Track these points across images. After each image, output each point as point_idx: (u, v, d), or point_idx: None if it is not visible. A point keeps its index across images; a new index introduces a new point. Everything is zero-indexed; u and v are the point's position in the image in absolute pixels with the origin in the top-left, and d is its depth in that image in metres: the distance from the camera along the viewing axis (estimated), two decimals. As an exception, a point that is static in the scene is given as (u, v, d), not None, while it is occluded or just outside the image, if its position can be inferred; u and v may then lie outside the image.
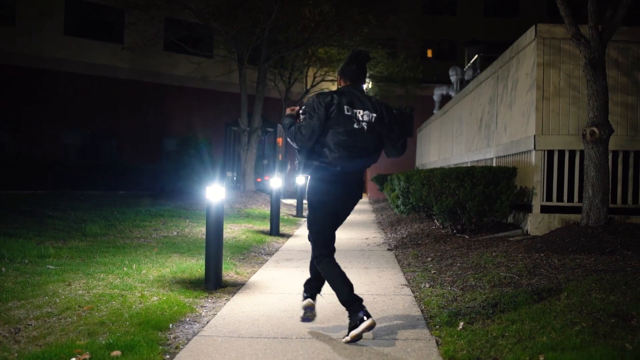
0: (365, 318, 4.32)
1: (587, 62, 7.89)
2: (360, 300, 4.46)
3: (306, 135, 4.50)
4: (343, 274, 4.59)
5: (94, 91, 24.82)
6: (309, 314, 4.82)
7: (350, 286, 4.52)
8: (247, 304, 5.69)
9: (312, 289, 4.90)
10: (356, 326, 4.34)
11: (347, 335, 4.39)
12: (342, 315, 5.20)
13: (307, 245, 10.00)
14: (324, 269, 4.63)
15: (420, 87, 29.64)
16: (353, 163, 4.53)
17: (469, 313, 5.07)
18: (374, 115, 4.56)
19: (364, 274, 7.26)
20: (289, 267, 7.77)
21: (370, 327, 4.32)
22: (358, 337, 4.35)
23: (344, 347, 4.33)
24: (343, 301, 4.49)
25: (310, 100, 4.61)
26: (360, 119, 4.53)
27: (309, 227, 4.73)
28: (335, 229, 4.75)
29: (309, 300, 4.84)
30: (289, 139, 4.67)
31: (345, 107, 4.52)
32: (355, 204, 4.80)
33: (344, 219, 4.82)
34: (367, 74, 5.03)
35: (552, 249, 7.25)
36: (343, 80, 4.76)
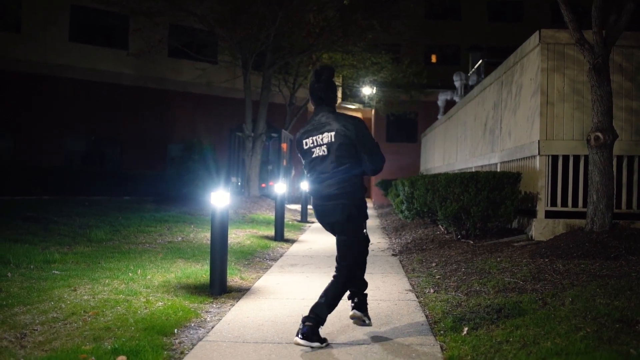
0: (296, 336, 4.39)
1: (591, 67, 7.90)
2: (319, 320, 4.48)
3: (305, 169, 4.90)
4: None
5: (98, 97, 24.88)
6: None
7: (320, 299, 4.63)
8: (252, 309, 5.69)
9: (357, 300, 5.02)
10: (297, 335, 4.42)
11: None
12: (345, 320, 5.21)
13: (312, 250, 10.04)
14: None
15: (425, 92, 29.63)
16: (323, 186, 4.64)
17: (474, 318, 5.07)
18: (332, 133, 4.60)
19: (369, 279, 7.24)
20: (294, 273, 7.78)
21: (298, 344, 4.37)
22: (297, 344, 4.38)
23: (348, 352, 4.34)
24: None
25: None
26: (321, 142, 4.64)
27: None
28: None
29: (353, 311, 4.97)
30: None
31: (304, 141, 4.73)
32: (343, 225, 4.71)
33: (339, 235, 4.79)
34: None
35: (556, 254, 7.24)
36: (312, 102, 4.86)
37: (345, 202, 4.61)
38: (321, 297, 4.57)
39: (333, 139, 4.59)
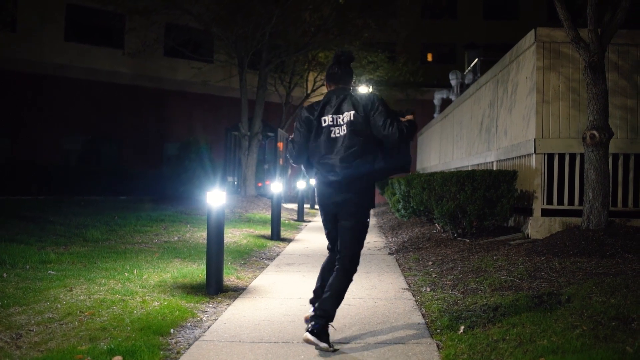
0: (306, 331, 4.36)
1: (586, 66, 7.91)
2: (328, 316, 4.46)
3: (295, 151, 4.74)
4: (322, 278, 4.84)
5: (95, 96, 24.85)
6: None
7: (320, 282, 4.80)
8: (249, 308, 5.69)
9: None
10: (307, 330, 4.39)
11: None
12: (341, 319, 5.21)
13: (308, 249, 10.04)
14: None
15: (421, 91, 29.64)
16: (338, 165, 4.51)
17: (470, 317, 5.07)
18: (352, 112, 4.51)
19: (365, 278, 7.26)
20: (290, 272, 7.77)
21: (308, 341, 4.30)
22: (307, 340, 4.31)
23: (344, 351, 4.34)
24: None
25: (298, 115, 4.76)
26: (342, 122, 4.52)
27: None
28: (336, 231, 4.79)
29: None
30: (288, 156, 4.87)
31: (323, 118, 4.59)
32: (349, 208, 4.62)
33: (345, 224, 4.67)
34: (353, 76, 4.95)
35: (552, 252, 7.25)
36: (327, 85, 4.77)
37: (359, 183, 4.55)
38: (326, 291, 4.53)
39: (353, 118, 4.50)
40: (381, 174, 4.68)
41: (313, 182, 4.98)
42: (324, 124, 4.58)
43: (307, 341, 4.30)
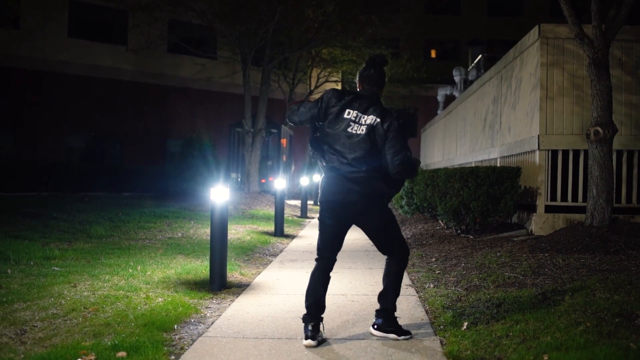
0: (304, 339, 4.39)
1: (590, 62, 7.89)
2: (318, 318, 4.48)
3: (298, 115, 4.63)
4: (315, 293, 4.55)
5: (98, 93, 24.85)
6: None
7: (314, 305, 4.50)
8: (252, 304, 5.70)
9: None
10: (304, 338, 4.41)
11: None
12: (345, 315, 5.21)
13: (312, 246, 10.03)
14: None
15: (424, 87, 29.62)
16: (348, 166, 4.40)
17: (473, 313, 5.07)
18: (378, 120, 4.40)
19: (369, 275, 7.27)
20: (294, 268, 7.78)
21: (307, 347, 4.35)
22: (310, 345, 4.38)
23: (348, 347, 4.34)
24: (305, 307, 4.54)
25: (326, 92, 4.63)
26: (363, 122, 4.41)
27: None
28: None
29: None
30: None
31: (348, 109, 4.47)
32: (366, 215, 4.51)
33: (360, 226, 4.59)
34: (385, 81, 4.83)
35: (556, 248, 7.24)
36: (360, 84, 4.67)
37: (373, 191, 4.44)
38: (307, 299, 4.53)
39: (375, 125, 4.38)
40: (380, 188, 4.47)
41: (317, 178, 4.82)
42: (346, 115, 4.45)
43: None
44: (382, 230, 4.57)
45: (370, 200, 4.43)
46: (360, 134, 4.40)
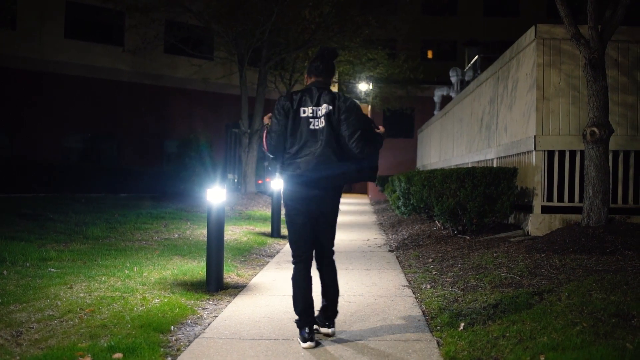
0: (301, 342, 4.41)
1: (587, 63, 7.90)
2: (312, 322, 4.52)
3: (273, 141, 4.58)
4: (305, 297, 4.60)
5: (95, 94, 24.81)
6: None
7: (306, 306, 4.55)
8: (249, 305, 5.69)
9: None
10: (301, 341, 4.43)
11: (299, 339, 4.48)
12: (342, 316, 5.21)
13: (308, 246, 10.01)
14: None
15: (421, 88, 29.62)
16: (318, 165, 4.44)
17: (470, 314, 5.07)
18: (330, 107, 4.46)
19: (365, 275, 7.27)
20: (291, 269, 7.74)
21: (306, 349, 4.38)
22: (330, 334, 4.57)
23: (344, 348, 4.34)
24: (297, 313, 4.57)
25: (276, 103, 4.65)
26: (320, 115, 4.46)
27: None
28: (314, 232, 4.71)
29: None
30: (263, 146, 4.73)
31: (302, 109, 4.50)
32: (327, 206, 4.64)
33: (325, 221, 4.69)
34: (335, 72, 4.84)
35: (553, 249, 7.25)
36: (308, 77, 4.71)
37: (341, 179, 4.55)
38: (328, 287, 4.70)
39: (330, 113, 4.45)
40: (348, 176, 4.55)
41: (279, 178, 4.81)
42: (302, 115, 4.49)
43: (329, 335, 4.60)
44: (334, 222, 4.75)
45: (334, 192, 4.63)
46: (322, 127, 4.46)
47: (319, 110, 4.47)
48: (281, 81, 26.53)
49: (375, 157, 4.70)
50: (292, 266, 4.72)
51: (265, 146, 4.64)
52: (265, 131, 4.64)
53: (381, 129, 4.68)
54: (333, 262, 4.79)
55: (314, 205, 4.55)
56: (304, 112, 4.49)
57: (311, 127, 4.46)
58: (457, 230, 9.94)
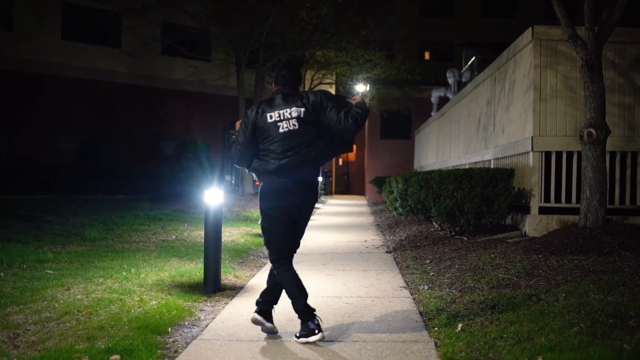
0: (317, 331, 4.42)
1: (583, 64, 7.91)
2: (314, 310, 4.55)
3: (238, 152, 4.63)
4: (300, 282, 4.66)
5: (91, 95, 24.77)
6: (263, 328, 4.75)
7: (306, 295, 4.59)
8: (246, 307, 5.68)
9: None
10: (307, 336, 4.44)
11: (297, 339, 4.48)
12: (340, 317, 5.21)
13: (305, 248, 10.05)
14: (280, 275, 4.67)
15: (418, 89, 29.63)
16: (292, 166, 4.50)
17: (468, 315, 5.08)
18: (302, 109, 4.52)
19: (363, 277, 7.26)
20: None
21: (319, 341, 4.42)
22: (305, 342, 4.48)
23: (342, 349, 4.34)
24: (298, 311, 4.56)
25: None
26: (290, 117, 4.50)
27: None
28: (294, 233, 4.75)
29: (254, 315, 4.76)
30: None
31: (268, 114, 4.54)
32: (308, 208, 4.73)
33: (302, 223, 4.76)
34: (302, 80, 4.88)
35: (550, 250, 7.26)
36: (275, 86, 4.76)
37: (315, 181, 4.66)
38: (300, 294, 4.62)
39: (303, 115, 4.51)
40: (326, 159, 4.68)
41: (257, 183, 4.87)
42: (269, 120, 4.53)
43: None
44: (307, 219, 4.80)
45: (312, 189, 4.68)
46: (294, 128, 4.50)
47: (287, 112, 4.53)
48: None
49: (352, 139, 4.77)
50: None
51: (231, 156, 4.71)
52: (232, 140, 4.70)
53: (356, 98, 4.71)
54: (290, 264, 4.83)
55: (294, 208, 4.61)
56: (271, 117, 4.55)
57: (281, 130, 4.51)
58: (455, 231, 9.95)
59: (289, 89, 4.67)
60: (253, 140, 4.58)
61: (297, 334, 4.52)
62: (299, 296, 4.56)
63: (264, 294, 4.82)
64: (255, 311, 4.73)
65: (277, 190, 4.56)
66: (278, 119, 4.52)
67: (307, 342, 4.43)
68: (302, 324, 4.52)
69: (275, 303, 4.80)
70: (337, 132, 4.53)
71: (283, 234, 4.63)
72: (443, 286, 6.47)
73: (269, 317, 4.72)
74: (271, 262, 4.71)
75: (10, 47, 22.98)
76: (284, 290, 4.73)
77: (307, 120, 4.51)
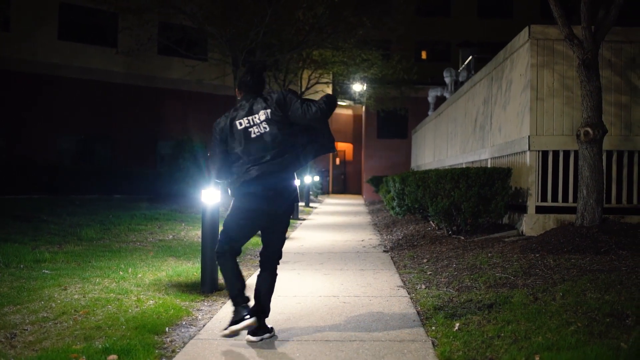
0: (247, 316, 4.42)
1: (580, 63, 7.92)
2: (248, 299, 4.60)
3: (216, 165, 4.64)
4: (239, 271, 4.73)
5: (88, 95, 24.75)
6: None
7: (243, 284, 4.66)
8: (244, 306, 5.67)
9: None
10: (237, 322, 4.41)
11: (226, 329, 4.44)
12: (337, 317, 5.21)
13: (303, 247, 10.04)
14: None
15: (415, 88, 29.63)
16: (265, 169, 4.48)
17: (465, 314, 5.08)
18: (269, 110, 4.53)
19: (360, 276, 7.26)
20: (285, 270, 7.76)
21: (250, 326, 4.42)
22: (236, 333, 4.42)
23: (340, 349, 4.34)
24: (233, 296, 4.59)
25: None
26: (259, 121, 4.52)
27: None
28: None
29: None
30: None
31: (237, 122, 4.55)
32: (284, 214, 4.73)
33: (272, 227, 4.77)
34: (265, 85, 4.87)
35: (547, 249, 7.26)
36: (239, 92, 4.77)
37: (292, 183, 4.65)
38: (263, 294, 4.72)
39: (270, 115, 4.52)
40: (307, 160, 4.71)
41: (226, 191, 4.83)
42: (239, 127, 4.53)
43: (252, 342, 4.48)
44: (286, 226, 4.86)
45: (290, 194, 4.66)
46: (266, 131, 4.51)
47: (256, 117, 4.54)
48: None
49: (327, 127, 4.72)
50: (277, 266, 4.83)
51: (209, 171, 4.73)
52: (208, 156, 4.71)
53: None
54: (274, 269, 4.96)
55: (269, 213, 4.60)
56: (240, 124, 4.55)
57: (252, 135, 4.51)
58: (452, 231, 9.95)
59: (252, 94, 4.68)
60: (226, 150, 4.60)
61: (227, 325, 4.46)
62: (235, 282, 4.64)
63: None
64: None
65: (252, 194, 4.53)
66: (248, 124, 4.53)
67: (236, 331, 4.39)
68: (234, 310, 4.52)
69: (249, 300, 4.69)
70: (305, 122, 4.53)
71: (248, 225, 4.62)
72: (440, 285, 6.47)
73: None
74: (216, 252, 4.68)
75: (8, 47, 22.95)
76: (274, 292, 4.86)
77: (275, 120, 4.51)
